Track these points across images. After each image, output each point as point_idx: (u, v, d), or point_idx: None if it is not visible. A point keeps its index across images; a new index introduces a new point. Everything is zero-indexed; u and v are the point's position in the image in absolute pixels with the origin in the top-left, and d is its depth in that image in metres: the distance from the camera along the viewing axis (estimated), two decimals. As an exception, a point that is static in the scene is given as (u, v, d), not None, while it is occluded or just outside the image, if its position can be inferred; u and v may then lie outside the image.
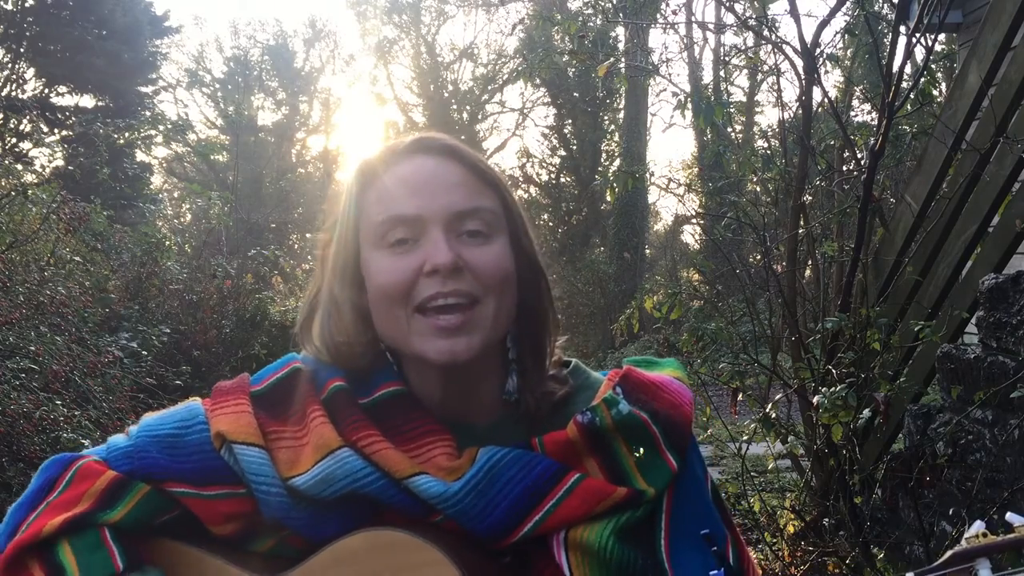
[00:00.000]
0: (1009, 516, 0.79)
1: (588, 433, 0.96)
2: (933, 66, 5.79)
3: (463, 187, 0.98)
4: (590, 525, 0.92)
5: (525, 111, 24.64)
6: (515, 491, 0.92)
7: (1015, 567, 0.77)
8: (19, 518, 0.95)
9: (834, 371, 3.34)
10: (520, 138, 28.97)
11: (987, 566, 0.76)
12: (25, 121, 15.14)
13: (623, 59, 10.10)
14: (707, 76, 21.02)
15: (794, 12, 3.92)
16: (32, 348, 4.34)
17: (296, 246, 23.17)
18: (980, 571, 0.76)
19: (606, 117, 22.12)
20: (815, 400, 3.17)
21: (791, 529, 3.98)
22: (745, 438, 3.85)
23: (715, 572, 0.84)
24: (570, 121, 22.37)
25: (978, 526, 0.79)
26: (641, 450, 0.97)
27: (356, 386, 1.00)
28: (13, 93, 15.47)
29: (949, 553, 0.79)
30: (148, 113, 16.57)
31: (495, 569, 0.94)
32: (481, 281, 0.95)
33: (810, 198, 4.46)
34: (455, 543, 0.91)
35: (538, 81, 19.87)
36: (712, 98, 4.93)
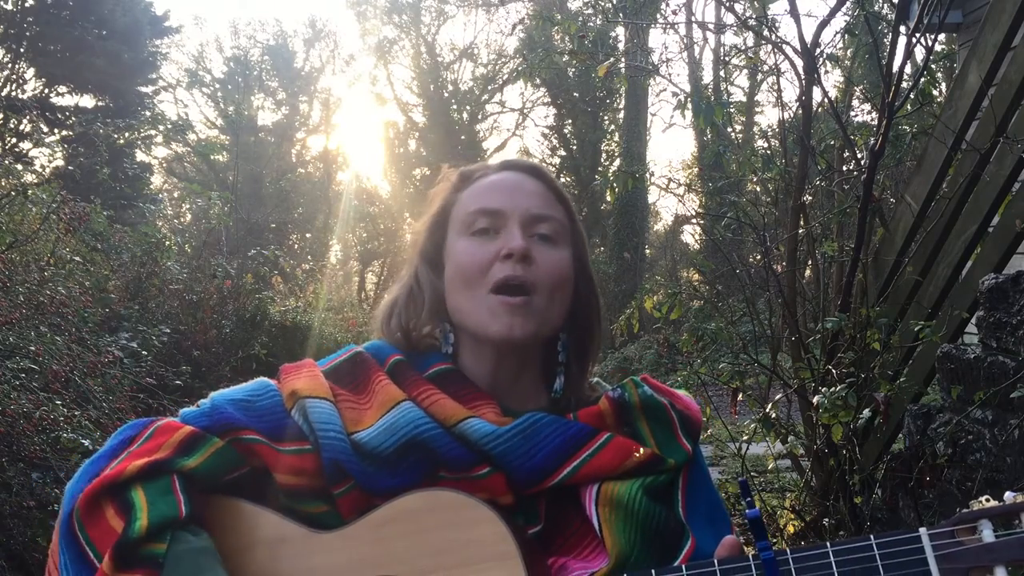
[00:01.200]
0: (1007, 494, 0.88)
1: (617, 407, 1.12)
2: (933, 66, 5.79)
3: (540, 196, 1.17)
4: (621, 481, 1.05)
5: (525, 111, 24.67)
6: (555, 441, 1.06)
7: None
8: (99, 467, 1.02)
9: (834, 371, 3.34)
10: (520, 138, 28.98)
11: (989, 527, 0.86)
12: (25, 121, 15.16)
13: (623, 59, 10.09)
14: (707, 76, 21.05)
15: (794, 12, 3.92)
16: (32, 348, 4.32)
17: (296, 246, 23.18)
18: (984, 531, 0.87)
19: (606, 117, 22.13)
20: (815, 400, 3.18)
21: (791, 529, 3.98)
22: (745, 438, 3.85)
23: (752, 511, 0.92)
24: (570, 121, 22.39)
25: (983, 498, 0.90)
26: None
27: (413, 362, 1.15)
28: (13, 93, 15.49)
29: (957, 515, 0.88)
30: (148, 113, 16.60)
31: (528, 537, 1.04)
32: (543, 276, 1.11)
33: (810, 198, 4.46)
34: (499, 509, 1.01)
35: (538, 81, 19.90)
36: (712, 98, 4.93)
